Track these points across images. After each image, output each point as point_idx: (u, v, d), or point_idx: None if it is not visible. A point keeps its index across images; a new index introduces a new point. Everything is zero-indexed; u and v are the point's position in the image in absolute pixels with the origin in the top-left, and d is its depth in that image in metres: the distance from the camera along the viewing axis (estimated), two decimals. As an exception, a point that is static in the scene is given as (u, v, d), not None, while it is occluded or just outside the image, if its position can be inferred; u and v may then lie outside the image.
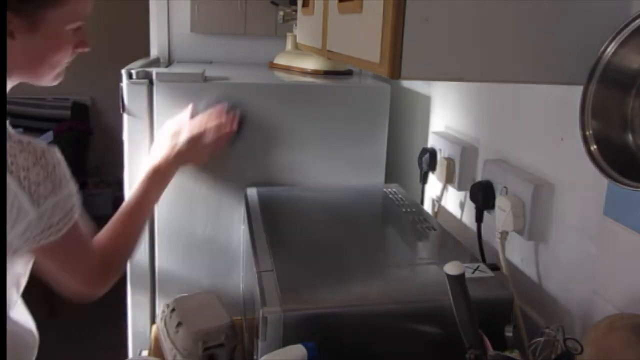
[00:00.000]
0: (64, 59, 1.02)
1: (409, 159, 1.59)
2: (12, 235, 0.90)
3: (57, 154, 0.95)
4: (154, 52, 1.94)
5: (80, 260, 1.04)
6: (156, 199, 1.25)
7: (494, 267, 0.99)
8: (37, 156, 0.91)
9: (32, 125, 3.80)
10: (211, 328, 1.14)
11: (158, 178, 1.23)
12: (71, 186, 0.97)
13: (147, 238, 1.41)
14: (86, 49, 1.04)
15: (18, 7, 0.91)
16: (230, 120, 1.31)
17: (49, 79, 1.03)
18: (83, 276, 1.05)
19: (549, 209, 1.01)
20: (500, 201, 1.06)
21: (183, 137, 1.26)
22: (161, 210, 1.39)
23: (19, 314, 1.12)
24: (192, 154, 1.28)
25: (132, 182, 1.37)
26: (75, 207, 0.98)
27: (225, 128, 1.30)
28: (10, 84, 1.01)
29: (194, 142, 1.26)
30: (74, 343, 2.81)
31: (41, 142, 0.94)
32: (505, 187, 1.08)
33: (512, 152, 1.13)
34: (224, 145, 1.31)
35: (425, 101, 1.54)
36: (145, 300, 1.44)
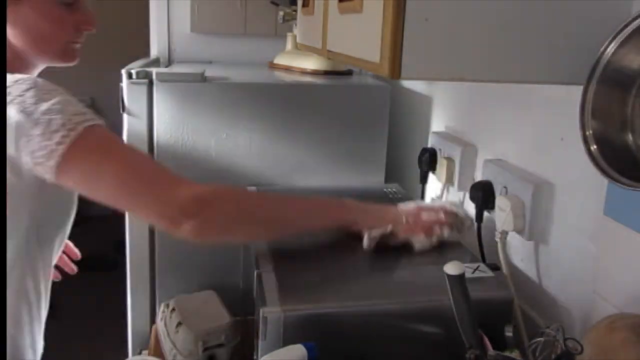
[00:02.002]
0: (65, 36, 1.00)
1: (409, 159, 1.59)
2: (20, 154, 0.85)
3: (52, 85, 0.90)
4: (154, 52, 1.94)
5: (144, 185, 0.89)
6: (317, 219, 1.04)
7: (494, 267, 0.99)
8: (30, 84, 0.88)
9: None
10: (211, 328, 1.14)
11: (335, 203, 1.07)
12: (71, 97, 0.90)
13: (147, 238, 1.41)
14: (91, 29, 1.03)
15: None
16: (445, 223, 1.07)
17: (56, 56, 1.02)
18: (154, 205, 0.89)
19: (549, 209, 1.01)
20: (500, 201, 1.06)
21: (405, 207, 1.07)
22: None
23: (26, 339, 1.02)
24: (386, 220, 1.04)
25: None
26: (86, 113, 0.88)
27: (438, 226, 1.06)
28: (32, 72, 1.01)
29: (408, 216, 1.05)
30: (74, 343, 2.81)
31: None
32: (505, 187, 1.08)
33: (512, 152, 1.13)
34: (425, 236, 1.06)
35: (426, 101, 1.54)
36: (145, 300, 1.44)
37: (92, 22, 1.03)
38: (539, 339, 0.78)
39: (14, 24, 0.96)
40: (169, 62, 1.91)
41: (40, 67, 1.05)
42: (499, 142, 1.19)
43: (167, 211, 0.89)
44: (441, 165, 1.33)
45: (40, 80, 0.91)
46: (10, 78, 0.89)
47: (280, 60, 1.78)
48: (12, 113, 0.85)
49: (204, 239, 0.94)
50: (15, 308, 0.98)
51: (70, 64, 1.04)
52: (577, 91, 0.72)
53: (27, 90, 0.87)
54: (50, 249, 1.03)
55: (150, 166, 0.96)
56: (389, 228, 1.03)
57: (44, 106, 0.86)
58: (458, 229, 1.08)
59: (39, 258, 1.00)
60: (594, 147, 0.71)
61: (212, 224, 0.92)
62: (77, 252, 1.25)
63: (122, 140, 0.92)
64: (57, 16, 0.98)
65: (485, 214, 1.15)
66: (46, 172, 0.86)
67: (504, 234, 1.06)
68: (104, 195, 0.89)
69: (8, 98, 0.86)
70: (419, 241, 1.04)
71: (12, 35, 0.97)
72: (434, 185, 1.43)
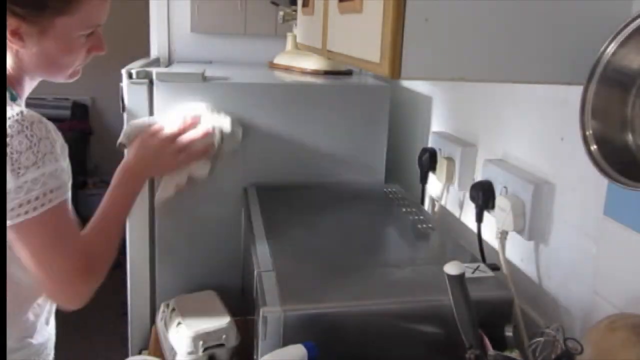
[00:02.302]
0: (77, 61, 1.04)
1: (409, 159, 1.59)
2: None
3: (48, 128, 0.94)
4: (154, 52, 1.94)
5: (60, 251, 0.97)
6: (125, 202, 1.15)
7: (494, 267, 0.99)
8: (24, 125, 0.90)
9: (32, 125, 3.86)
10: (211, 328, 1.14)
11: (124, 180, 1.16)
12: (58, 165, 0.94)
13: (147, 238, 1.41)
14: (102, 52, 1.06)
15: (26, 15, 0.93)
16: (210, 135, 1.23)
17: (62, 78, 1.06)
18: (62, 270, 0.97)
19: (549, 209, 1.01)
20: (500, 201, 1.06)
21: (149, 141, 1.20)
22: (161, 209, 1.39)
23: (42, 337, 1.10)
24: (153, 161, 1.20)
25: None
26: (60, 189, 0.95)
27: (203, 143, 1.22)
28: (30, 85, 1.05)
29: (158, 147, 1.20)
30: (74, 343, 2.80)
31: (36, 115, 0.94)
32: (505, 187, 1.08)
33: (512, 152, 1.13)
34: (200, 160, 1.24)
35: (426, 101, 1.54)
36: (145, 300, 1.44)
37: (103, 47, 1.07)
38: (539, 339, 0.78)
39: (33, 52, 0.98)
40: (169, 62, 1.91)
41: (37, 81, 1.08)
42: (499, 142, 1.19)
43: (70, 281, 0.99)
44: (441, 165, 1.33)
45: (35, 126, 0.93)
46: (9, 113, 0.91)
47: (280, 60, 1.78)
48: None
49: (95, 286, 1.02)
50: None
51: (71, 81, 1.08)
52: (577, 91, 0.72)
53: (20, 144, 0.90)
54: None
55: (66, 261, 0.99)
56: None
57: (31, 175, 0.91)
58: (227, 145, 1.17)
59: None
60: (594, 147, 0.71)
61: (100, 274, 1.03)
62: None
63: (69, 221, 1.00)
64: (76, 46, 1.01)
65: (485, 214, 1.15)
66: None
67: (504, 234, 1.06)
68: (26, 258, 0.96)
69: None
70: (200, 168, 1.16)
71: (28, 57, 0.98)
72: (434, 185, 1.43)
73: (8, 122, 0.90)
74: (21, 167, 0.90)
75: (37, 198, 0.92)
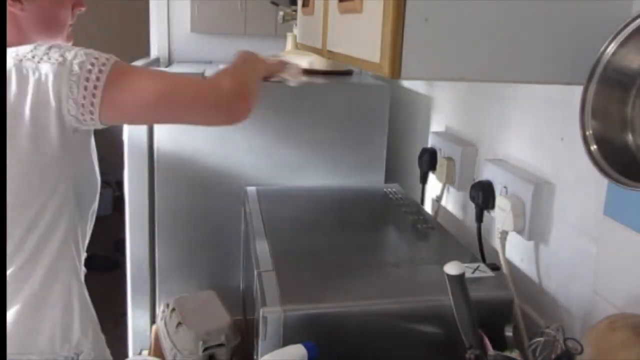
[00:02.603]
0: (68, 18, 1.08)
1: (409, 159, 1.59)
2: (61, 104, 0.92)
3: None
4: (154, 52, 1.94)
5: (184, 95, 0.99)
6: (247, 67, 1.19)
7: (494, 267, 0.99)
8: (49, 44, 0.96)
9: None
10: (211, 328, 1.14)
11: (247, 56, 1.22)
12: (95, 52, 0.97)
13: (147, 238, 1.41)
14: (83, 8, 1.10)
15: None
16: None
17: (62, 38, 1.08)
18: (206, 109, 1.01)
19: (549, 209, 1.01)
20: (500, 201, 1.06)
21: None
22: (161, 209, 1.39)
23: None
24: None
25: (132, 182, 1.38)
26: (108, 54, 0.97)
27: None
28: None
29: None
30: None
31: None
32: (505, 187, 1.08)
33: (512, 152, 1.13)
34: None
35: (426, 101, 1.54)
36: (145, 300, 1.44)
37: (84, 3, 1.10)
38: (539, 339, 0.78)
39: (32, 12, 1.01)
40: (169, 62, 1.91)
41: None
42: (499, 142, 1.19)
43: (221, 104, 1.01)
44: (441, 165, 1.33)
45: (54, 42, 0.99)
46: (26, 48, 0.95)
47: (280, 60, 1.77)
48: (46, 68, 0.92)
49: (249, 113, 1.04)
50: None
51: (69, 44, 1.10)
52: (577, 91, 0.72)
53: (50, 49, 0.94)
54: (85, 218, 1.09)
55: (181, 77, 1.05)
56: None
57: (71, 55, 0.93)
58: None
59: (77, 223, 1.04)
60: (594, 147, 0.71)
61: (247, 98, 1.04)
62: None
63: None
64: (66, 2, 1.06)
65: (485, 214, 1.15)
66: (91, 113, 0.93)
67: (504, 234, 1.06)
68: (153, 112, 1.00)
69: (35, 59, 0.93)
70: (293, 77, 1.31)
71: (27, 20, 1.02)
72: (434, 185, 1.43)
73: (34, 51, 0.94)
74: (58, 57, 0.92)
75: (93, 64, 0.93)
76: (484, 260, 1.08)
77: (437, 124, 1.48)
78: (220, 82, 1.02)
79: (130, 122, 1.25)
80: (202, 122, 1.14)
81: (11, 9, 0.99)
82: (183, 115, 1.04)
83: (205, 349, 1.13)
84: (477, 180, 1.20)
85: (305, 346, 0.81)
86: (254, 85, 1.09)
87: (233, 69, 1.11)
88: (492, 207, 1.11)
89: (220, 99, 1.01)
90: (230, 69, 1.09)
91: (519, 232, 1.04)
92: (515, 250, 1.10)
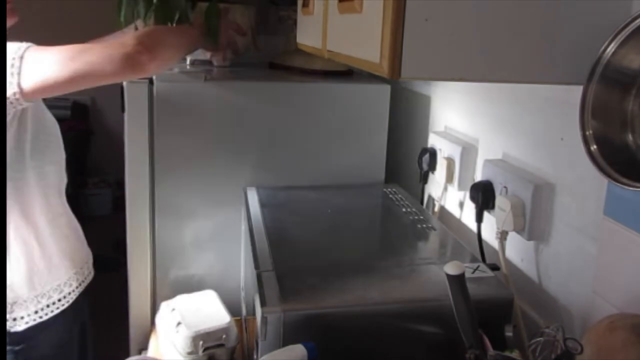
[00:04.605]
0: None
1: (409, 159, 1.59)
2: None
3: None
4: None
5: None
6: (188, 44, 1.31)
7: (494, 267, 0.99)
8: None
9: (32, 125, 3.87)
10: (211, 328, 1.14)
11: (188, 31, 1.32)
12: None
13: (147, 238, 1.41)
14: None
15: None
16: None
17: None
18: (117, 56, 1.08)
19: (549, 209, 1.01)
20: (500, 201, 1.06)
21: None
22: (161, 210, 1.39)
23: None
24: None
25: (132, 182, 1.37)
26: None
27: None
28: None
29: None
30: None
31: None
32: (505, 187, 1.08)
33: (512, 152, 1.13)
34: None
35: (425, 101, 1.54)
36: (145, 300, 1.44)
37: None
38: (539, 339, 0.78)
39: None
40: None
41: None
42: (499, 142, 1.19)
43: (129, 54, 1.09)
44: (441, 165, 1.33)
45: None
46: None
47: (280, 60, 1.77)
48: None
49: (152, 65, 1.13)
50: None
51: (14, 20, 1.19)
52: (577, 91, 0.72)
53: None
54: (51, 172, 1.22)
55: (87, 44, 1.13)
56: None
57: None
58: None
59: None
60: (594, 147, 0.71)
61: (151, 50, 1.12)
62: None
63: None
64: None
65: (485, 214, 1.15)
66: (17, 95, 1.04)
67: (504, 234, 1.06)
68: (67, 75, 1.07)
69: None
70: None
71: None
72: (434, 185, 1.43)
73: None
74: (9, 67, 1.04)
75: (13, 58, 1.04)
76: (484, 260, 1.08)
77: (437, 124, 1.48)
78: (130, 35, 1.12)
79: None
80: (108, 70, 1.13)
81: None
82: (95, 71, 1.09)
83: (205, 349, 1.13)
84: (477, 180, 1.20)
85: (305, 346, 0.80)
86: (168, 45, 1.19)
87: (150, 28, 1.23)
88: (492, 207, 1.11)
89: (126, 47, 1.08)
90: (147, 29, 1.21)
91: (519, 232, 1.04)
92: (515, 250, 1.10)
